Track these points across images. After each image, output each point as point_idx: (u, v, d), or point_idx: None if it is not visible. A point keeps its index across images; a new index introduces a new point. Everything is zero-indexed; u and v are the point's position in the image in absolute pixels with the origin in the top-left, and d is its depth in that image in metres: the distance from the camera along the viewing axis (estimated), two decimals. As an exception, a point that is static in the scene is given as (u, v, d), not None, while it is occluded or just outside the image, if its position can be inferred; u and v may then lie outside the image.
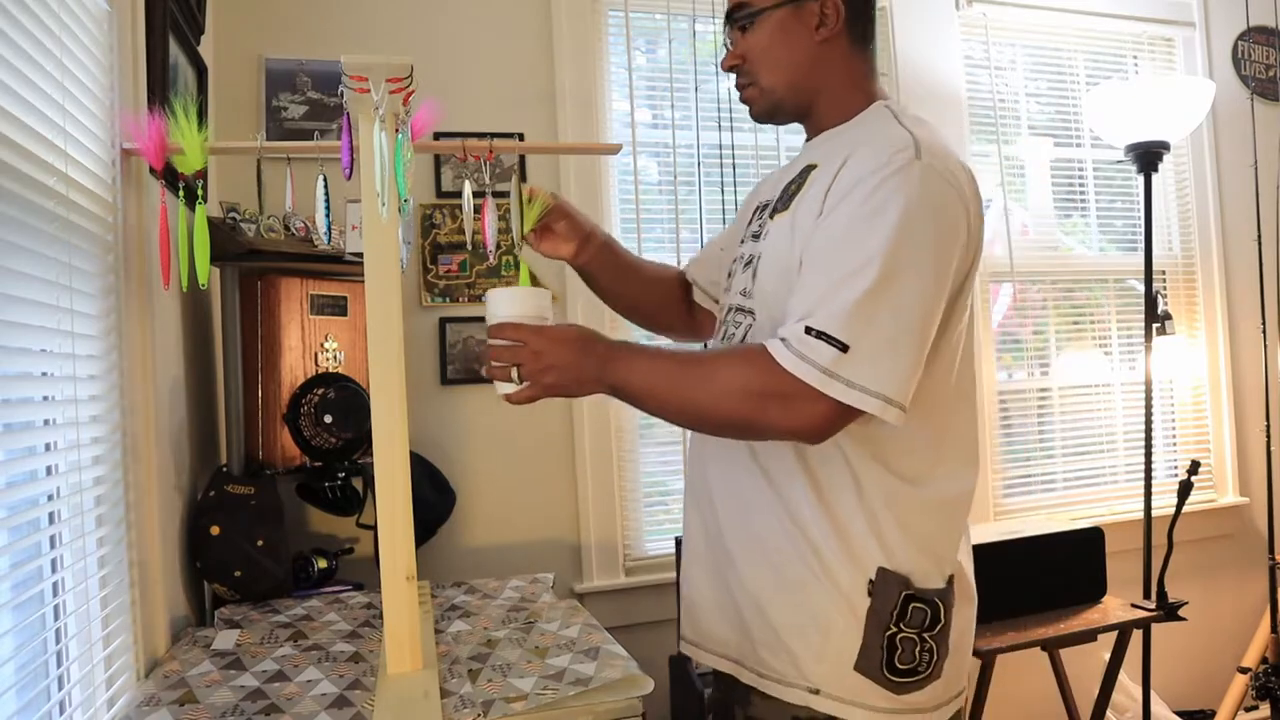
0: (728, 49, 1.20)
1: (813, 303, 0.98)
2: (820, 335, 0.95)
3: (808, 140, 1.21)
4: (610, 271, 1.34)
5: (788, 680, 1.08)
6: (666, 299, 1.42)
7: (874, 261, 0.95)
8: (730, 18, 1.18)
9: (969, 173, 1.05)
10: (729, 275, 1.25)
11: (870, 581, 1.05)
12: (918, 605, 1.05)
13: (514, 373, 1.04)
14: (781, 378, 0.96)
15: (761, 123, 1.23)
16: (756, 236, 1.18)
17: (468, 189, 1.18)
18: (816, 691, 1.06)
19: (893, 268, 0.95)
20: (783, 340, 0.97)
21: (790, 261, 1.05)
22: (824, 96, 1.15)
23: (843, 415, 0.97)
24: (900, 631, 1.04)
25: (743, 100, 1.20)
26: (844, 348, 0.94)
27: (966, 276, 1.06)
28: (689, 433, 1.27)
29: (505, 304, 1.07)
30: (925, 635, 1.05)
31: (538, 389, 1.05)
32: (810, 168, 1.12)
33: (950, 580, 1.08)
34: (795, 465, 1.07)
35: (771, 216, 1.14)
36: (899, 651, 1.04)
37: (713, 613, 1.18)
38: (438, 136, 1.60)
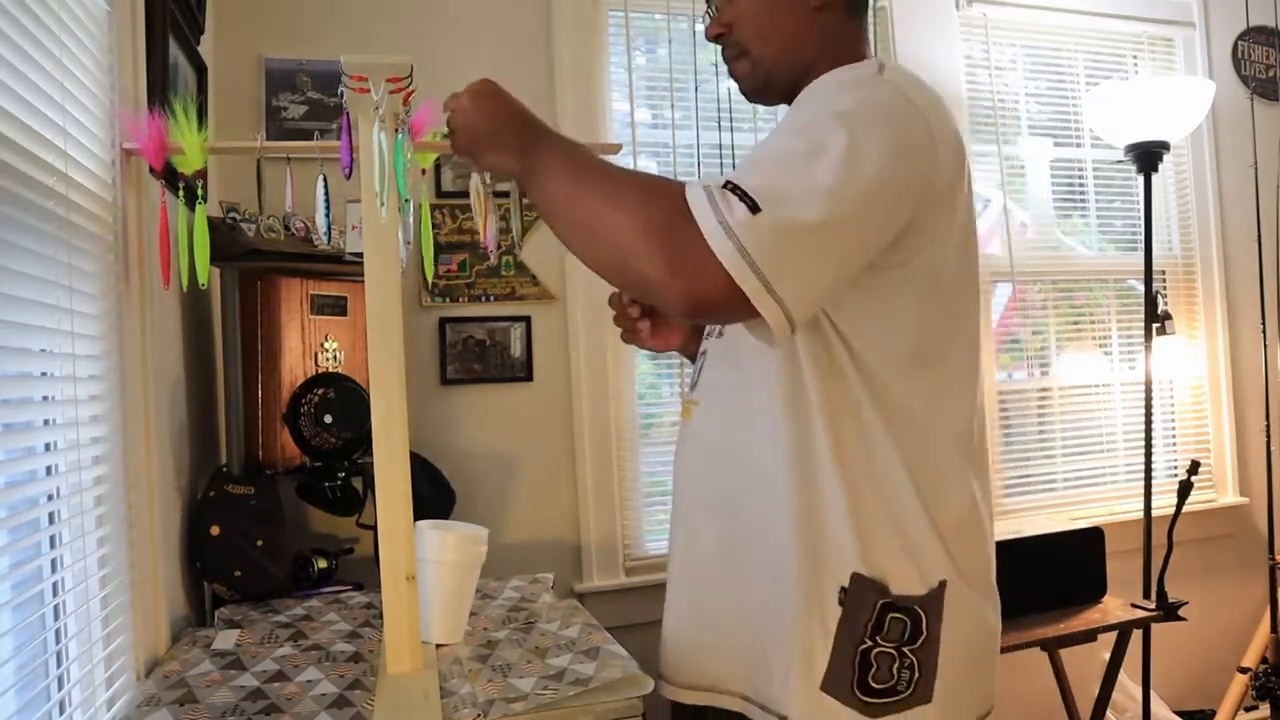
0: (711, 16, 1.08)
1: (740, 170, 0.89)
2: (736, 190, 0.84)
3: None
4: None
5: (770, 704, 1.00)
6: None
7: (817, 151, 0.86)
8: None
9: (943, 105, 0.97)
10: None
11: (843, 589, 0.95)
12: (896, 615, 0.94)
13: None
14: (681, 217, 0.85)
15: (753, 101, 1.11)
16: None
17: (475, 180, 1.15)
18: (785, 718, 0.97)
19: (840, 164, 0.85)
20: (704, 187, 0.86)
21: None
22: (819, 69, 1.04)
23: (721, 290, 0.84)
24: (876, 646, 0.94)
25: (733, 74, 1.10)
26: (755, 209, 0.83)
27: (947, 212, 0.95)
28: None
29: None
30: (905, 650, 0.94)
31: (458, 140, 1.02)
32: None
33: (941, 586, 0.96)
34: (785, 441, 0.98)
35: None
36: (874, 669, 0.94)
37: (692, 642, 1.09)
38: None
